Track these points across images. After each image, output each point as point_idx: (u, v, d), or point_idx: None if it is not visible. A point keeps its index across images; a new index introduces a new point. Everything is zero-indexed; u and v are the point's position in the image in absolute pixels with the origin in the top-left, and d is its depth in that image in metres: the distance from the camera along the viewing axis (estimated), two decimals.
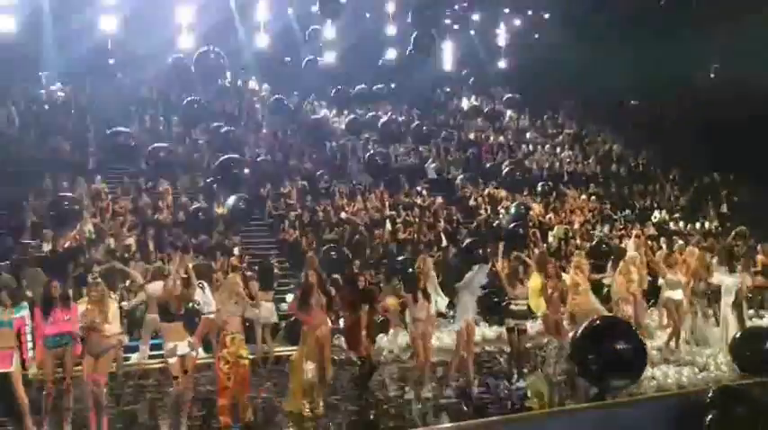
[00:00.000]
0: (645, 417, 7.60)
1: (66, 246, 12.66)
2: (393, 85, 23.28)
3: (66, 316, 7.98)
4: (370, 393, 9.30)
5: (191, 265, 8.59)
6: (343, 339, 11.60)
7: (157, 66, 20.88)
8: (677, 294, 11.01)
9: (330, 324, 8.66)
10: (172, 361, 7.63)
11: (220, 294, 8.06)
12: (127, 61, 20.02)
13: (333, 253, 12.57)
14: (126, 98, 19.56)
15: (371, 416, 8.50)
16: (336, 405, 8.70)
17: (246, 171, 11.77)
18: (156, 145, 14.39)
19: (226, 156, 12.95)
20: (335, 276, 14.07)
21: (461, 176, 20.89)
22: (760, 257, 12.66)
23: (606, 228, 19.25)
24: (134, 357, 10.72)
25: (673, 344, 10.87)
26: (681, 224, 20.83)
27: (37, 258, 11.90)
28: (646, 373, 9.15)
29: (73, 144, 17.04)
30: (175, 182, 16.34)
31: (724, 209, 22.34)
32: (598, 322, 6.40)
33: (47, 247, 12.63)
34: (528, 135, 25.40)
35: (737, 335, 8.41)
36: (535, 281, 10.20)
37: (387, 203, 18.39)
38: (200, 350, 8.89)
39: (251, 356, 8.23)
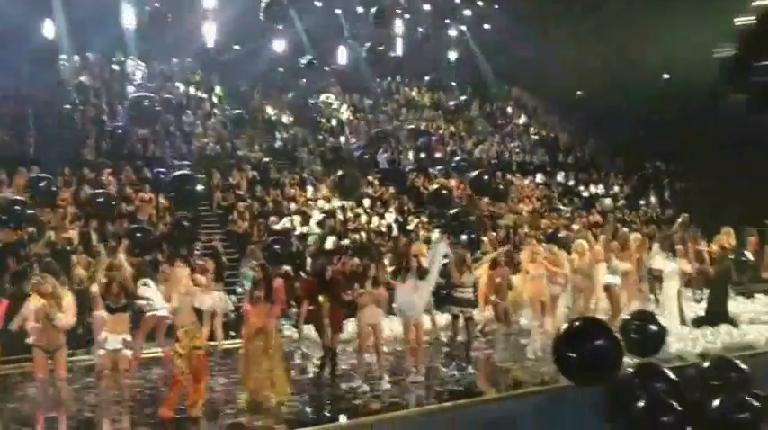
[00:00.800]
0: (584, 400, 7.71)
1: (5, 240, 12.22)
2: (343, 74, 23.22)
3: None
4: (327, 384, 9.26)
5: (123, 256, 8.34)
6: (295, 329, 11.64)
7: (100, 53, 20.39)
8: (616, 279, 11.31)
9: (275, 315, 8.54)
10: (100, 352, 7.43)
11: (167, 288, 7.93)
12: (68, 49, 19.47)
13: (277, 246, 12.42)
14: (68, 86, 18.98)
15: (321, 407, 8.48)
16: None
17: (200, 187, 11.24)
18: None
19: (177, 173, 12.49)
20: (287, 268, 14.05)
21: (412, 166, 21.03)
22: (690, 245, 13.11)
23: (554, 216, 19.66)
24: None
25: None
26: (625, 211, 21.41)
27: None
28: None
29: (12, 134, 16.45)
30: (120, 172, 15.96)
31: (665, 196, 23.05)
32: (577, 323, 6.80)
33: None
34: (477, 124, 25.65)
35: (626, 318, 8.81)
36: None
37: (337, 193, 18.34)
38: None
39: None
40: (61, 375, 7.41)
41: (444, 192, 13.23)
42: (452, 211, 13.52)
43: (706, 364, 7.61)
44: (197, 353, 7.65)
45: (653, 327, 7.86)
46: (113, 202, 12.88)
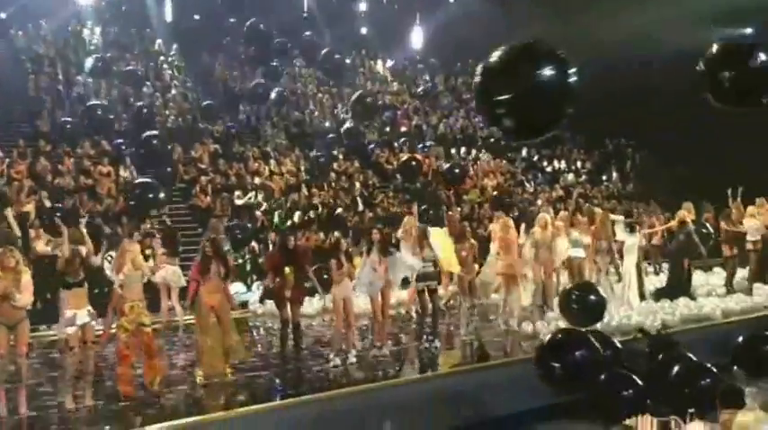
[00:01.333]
0: (523, 375, 7.81)
1: None
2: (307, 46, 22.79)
3: None
4: (292, 358, 9.22)
5: (79, 231, 8.12)
6: (258, 304, 11.54)
7: (54, 21, 19.71)
8: (579, 252, 11.48)
9: (228, 292, 8.48)
10: (70, 330, 7.31)
11: (117, 262, 7.81)
12: (21, 16, 18.77)
13: (237, 231, 12.29)
14: (21, 54, 18.34)
15: (283, 380, 8.46)
16: (248, 369, 8.61)
17: (162, 195, 11.08)
18: None
19: (138, 180, 12.21)
20: (253, 244, 13.92)
21: (377, 141, 20.89)
22: (645, 218, 13.34)
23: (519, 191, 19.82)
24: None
25: None
26: (587, 187, 21.68)
27: None
28: (543, 330, 9.68)
29: None
30: (76, 145, 15.53)
31: (627, 169, 23.42)
32: (560, 335, 7.08)
33: None
34: (443, 99, 25.58)
35: (566, 288, 9.02)
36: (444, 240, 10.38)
37: (302, 167, 18.18)
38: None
39: (154, 324, 7.99)
40: (22, 351, 7.22)
41: (413, 163, 13.22)
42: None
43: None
44: (143, 330, 7.63)
45: (593, 298, 8.10)
46: (78, 214, 12.52)
